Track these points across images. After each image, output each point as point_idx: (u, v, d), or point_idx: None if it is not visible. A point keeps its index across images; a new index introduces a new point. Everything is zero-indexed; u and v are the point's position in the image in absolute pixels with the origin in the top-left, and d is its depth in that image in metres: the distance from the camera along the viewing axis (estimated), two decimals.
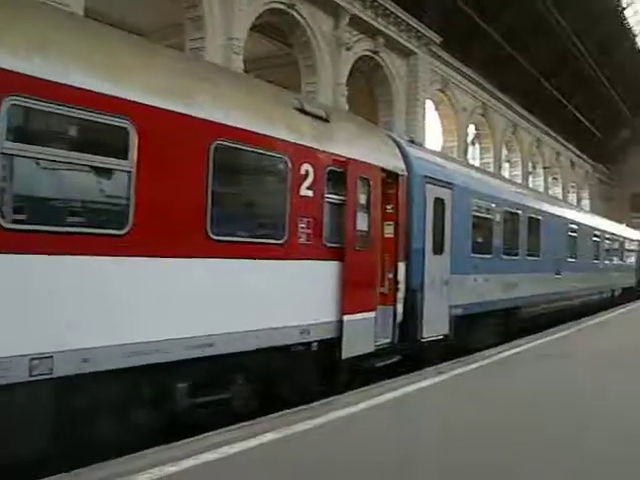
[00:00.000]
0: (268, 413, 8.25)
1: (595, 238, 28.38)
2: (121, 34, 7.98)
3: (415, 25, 33.65)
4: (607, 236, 30.94)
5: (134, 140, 6.82)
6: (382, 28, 31.58)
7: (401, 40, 33.35)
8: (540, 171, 58.69)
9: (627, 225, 43.83)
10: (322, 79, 28.65)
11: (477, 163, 45.37)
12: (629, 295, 35.31)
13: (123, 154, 6.77)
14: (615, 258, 32.93)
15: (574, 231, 24.52)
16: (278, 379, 9.34)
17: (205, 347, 7.61)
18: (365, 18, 30.23)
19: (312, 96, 27.45)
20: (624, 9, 55.58)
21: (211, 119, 7.82)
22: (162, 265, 7.21)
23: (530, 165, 56.41)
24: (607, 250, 30.89)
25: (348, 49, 29.52)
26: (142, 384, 7.20)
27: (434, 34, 35.32)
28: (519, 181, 48.60)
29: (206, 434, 7.15)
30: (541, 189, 54.97)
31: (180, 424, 7.59)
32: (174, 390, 7.59)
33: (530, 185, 52.74)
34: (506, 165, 51.99)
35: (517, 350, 14.51)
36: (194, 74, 8.33)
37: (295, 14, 26.82)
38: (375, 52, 32.12)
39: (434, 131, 41.24)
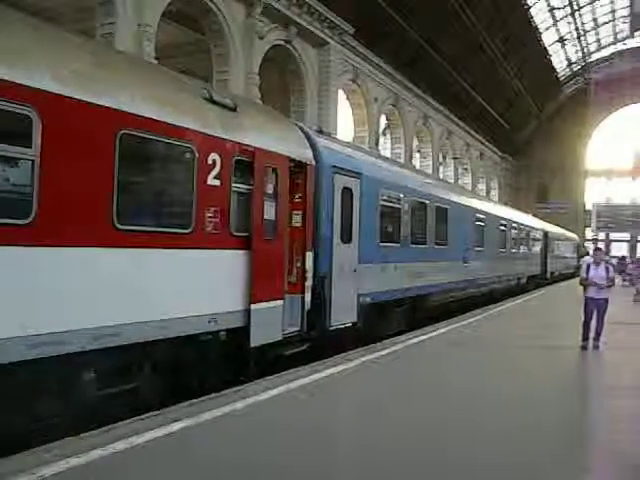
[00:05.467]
0: (178, 403, 8.25)
1: (502, 227, 29.03)
2: (24, 18, 7.83)
3: (328, 15, 33.71)
4: (514, 225, 31.69)
5: (38, 128, 6.73)
6: (295, 17, 31.57)
7: (314, 30, 33.38)
8: (450, 161, 59.81)
9: (533, 215, 45.14)
10: (234, 68, 28.45)
11: (388, 153, 45.92)
12: (535, 282, 36.40)
13: (27, 142, 6.68)
14: (521, 247, 33.72)
15: (481, 220, 25.03)
16: (187, 368, 9.32)
17: (111, 337, 7.55)
18: (278, 7, 30.12)
19: (224, 85, 27.29)
20: (530, 7, 57.17)
21: (117, 107, 7.74)
22: (67, 255, 7.12)
23: (441, 155, 57.42)
24: (514, 239, 31.60)
25: (261, 38, 29.40)
26: (48, 375, 7.09)
27: (347, 24, 35.47)
28: (430, 171, 49.49)
29: (114, 425, 7.09)
30: (451, 179, 56.09)
31: (89, 415, 7.51)
32: (81, 381, 7.50)
33: (440, 175, 53.77)
34: (417, 155, 52.77)
35: (424, 337, 14.88)
36: (100, 61, 8.21)
37: (207, 1, 26.55)
38: (288, 41, 32.07)
39: (346, 121, 41.60)
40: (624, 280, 38.14)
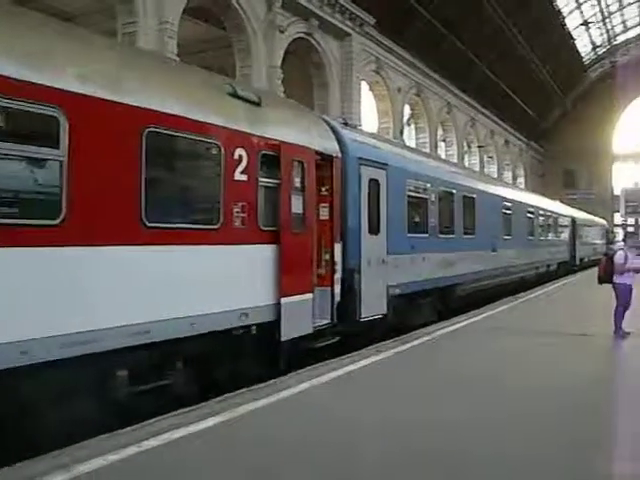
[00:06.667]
0: (211, 398, 8.27)
1: (529, 215, 28.80)
2: (50, 20, 7.87)
3: (349, 6, 33.65)
4: (541, 212, 31.45)
5: (65, 129, 6.75)
6: (316, 10, 31.57)
7: (335, 22, 33.36)
8: (475, 150, 59.37)
9: (560, 201, 44.69)
10: (256, 62, 28.47)
11: (413, 143, 45.74)
12: (564, 269, 36.08)
13: (54, 143, 6.70)
14: (549, 234, 33.45)
15: (508, 208, 24.83)
16: (219, 363, 9.34)
17: (141, 334, 7.57)
18: (298, 0, 30.14)
19: (247, 80, 27.31)
20: None
21: (141, 105, 7.75)
22: (96, 254, 7.14)
23: (465, 144, 57.05)
24: (541, 226, 31.37)
25: (282, 32, 29.34)
26: (80, 374, 7.09)
27: (368, 15, 35.36)
28: (455, 160, 49.21)
29: (149, 421, 7.13)
30: (477, 168, 55.75)
31: (123, 413, 7.52)
32: (114, 378, 7.53)
33: (466, 164, 53.41)
34: (442, 144, 52.47)
35: (454, 327, 14.80)
36: (123, 61, 8.23)
37: None
38: (309, 34, 32.07)
39: (370, 112, 41.48)
40: None
